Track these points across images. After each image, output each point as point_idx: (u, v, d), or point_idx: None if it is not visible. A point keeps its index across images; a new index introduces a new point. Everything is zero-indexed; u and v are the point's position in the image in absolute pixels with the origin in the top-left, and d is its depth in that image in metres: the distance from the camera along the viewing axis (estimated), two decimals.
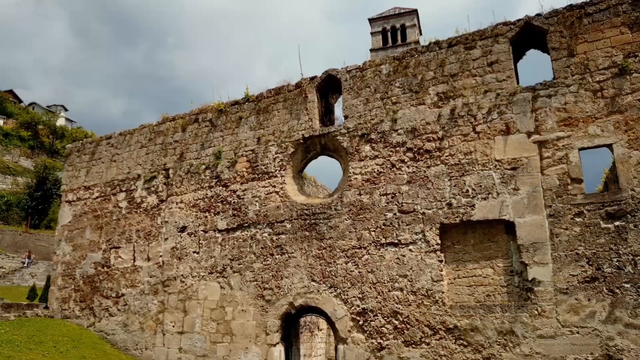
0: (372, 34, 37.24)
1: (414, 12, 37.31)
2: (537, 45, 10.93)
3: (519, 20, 10.67)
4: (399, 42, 36.72)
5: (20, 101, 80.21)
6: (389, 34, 36.96)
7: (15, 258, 29.15)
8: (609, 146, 9.30)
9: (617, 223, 8.92)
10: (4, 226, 33.37)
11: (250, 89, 13.82)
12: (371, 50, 36.75)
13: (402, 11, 37.81)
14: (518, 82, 10.80)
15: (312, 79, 12.85)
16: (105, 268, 14.78)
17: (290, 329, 12.24)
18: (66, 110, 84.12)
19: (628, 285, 8.62)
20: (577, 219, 9.22)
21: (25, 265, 28.57)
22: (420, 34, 38.38)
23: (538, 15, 10.51)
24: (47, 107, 79.63)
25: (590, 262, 8.96)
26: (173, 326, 13.06)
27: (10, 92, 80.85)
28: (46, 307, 15.55)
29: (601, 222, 9.04)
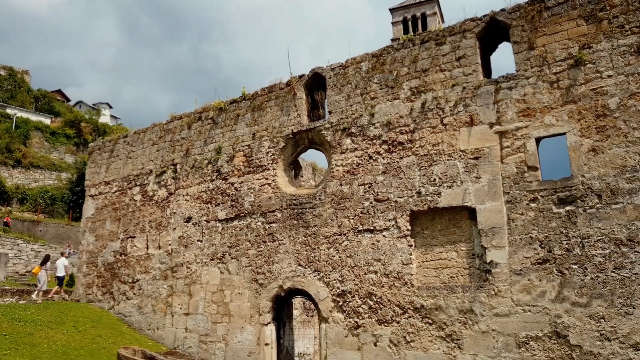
0: (393, 23, 37.56)
1: (434, 0, 37.31)
2: (508, 39, 11.39)
3: (484, 15, 11.17)
4: (420, 31, 36.86)
5: (68, 100, 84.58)
6: (409, 23, 37.13)
7: (58, 249, 31.46)
8: (563, 135, 9.76)
9: (567, 208, 9.43)
10: (49, 219, 35.98)
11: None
12: (392, 40, 37.08)
13: (422, 0, 37.88)
14: (489, 75, 11.34)
15: (301, 77, 13.72)
16: (122, 256, 16.24)
17: (281, 310, 13.25)
18: (111, 107, 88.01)
19: (576, 267, 9.14)
20: (532, 205, 9.77)
21: (66, 255, 30.84)
22: (443, 21, 38.34)
23: (502, 10, 10.98)
24: (93, 105, 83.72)
25: (543, 245, 9.52)
26: (180, 308, 14.34)
27: (59, 91, 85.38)
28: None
29: (553, 207, 9.56)
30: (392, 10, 37.55)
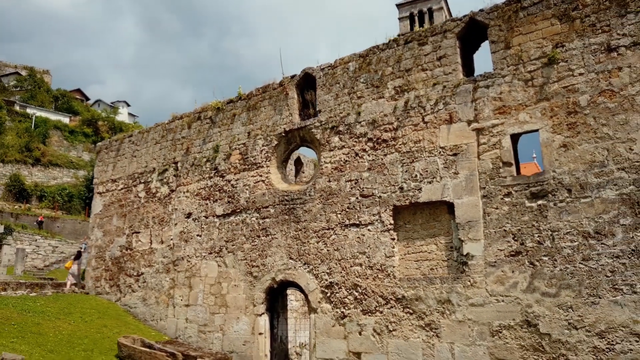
0: (399, 19, 37.72)
1: None
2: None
3: (465, 16, 11.51)
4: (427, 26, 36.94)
5: (87, 99, 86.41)
6: (416, 18, 37.28)
7: (74, 244, 32.59)
8: (537, 131, 10.09)
9: (539, 202, 9.78)
10: (66, 216, 37.18)
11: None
12: (399, 35, 37.23)
13: None
14: (472, 74, 11.70)
15: (293, 77, 14.21)
16: (128, 250, 16.99)
17: (275, 301, 13.82)
18: (128, 105, 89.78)
19: (546, 258, 9.50)
20: (506, 199, 10.14)
21: (82, 250, 31.98)
22: (450, 16, 38.35)
23: (481, 10, 11.31)
24: (111, 103, 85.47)
25: (515, 238, 9.88)
26: (181, 300, 15.02)
27: (78, 90, 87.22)
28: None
29: (526, 201, 9.91)
30: (399, 6, 37.75)
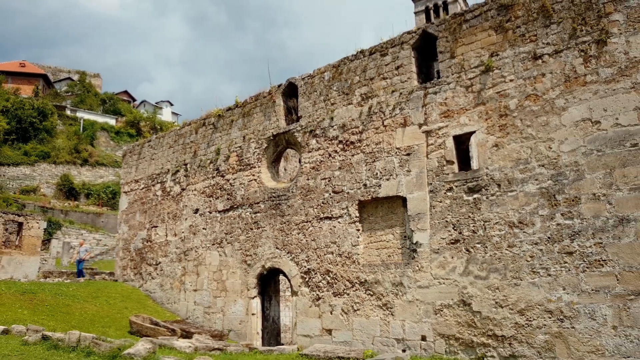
0: (415, 13, 38.43)
1: None
2: None
3: (418, 29, 12.78)
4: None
5: (134, 100, 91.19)
6: (431, 12, 37.91)
7: (116, 237, 35.63)
8: (474, 133, 11.31)
9: (474, 196, 11.03)
10: (110, 211, 40.43)
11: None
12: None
13: None
14: (424, 81, 12.96)
15: (279, 86, 15.85)
16: (148, 243, 19.23)
17: (267, 286, 15.60)
18: (171, 105, 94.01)
19: (479, 246, 10.77)
20: (448, 194, 11.44)
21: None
22: (467, 7, 38.71)
23: (432, 23, 12.55)
24: (156, 103, 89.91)
25: (455, 228, 11.19)
26: (190, 285, 17.08)
27: (125, 92, 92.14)
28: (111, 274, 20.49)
29: (464, 195, 11.19)
30: (415, 0, 38.44)
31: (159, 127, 63.50)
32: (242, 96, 17.36)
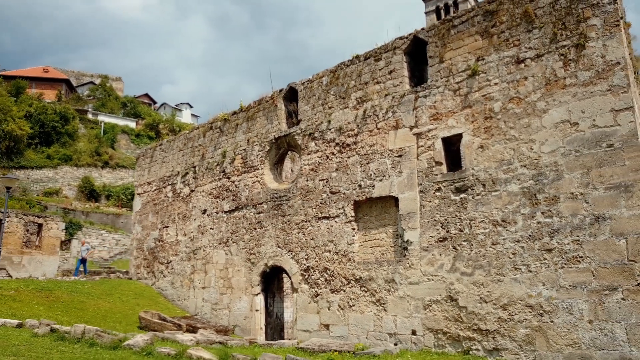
0: (426, 13, 38.63)
1: None
2: None
3: (409, 34, 13.22)
4: None
5: (154, 102, 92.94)
6: (442, 11, 38.08)
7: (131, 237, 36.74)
8: (461, 135, 11.72)
9: (461, 195, 11.45)
10: (129, 212, 41.54)
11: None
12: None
13: None
14: (418, 85, 13.39)
15: (281, 91, 16.45)
16: (160, 242, 20.04)
17: (270, 283, 16.22)
18: (191, 107, 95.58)
19: (465, 243, 11.19)
20: (437, 193, 11.87)
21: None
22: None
23: (422, 29, 12.99)
24: (176, 105, 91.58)
25: (443, 226, 11.63)
26: (199, 283, 17.81)
27: (146, 95, 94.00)
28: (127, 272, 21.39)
29: (451, 195, 11.61)
30: (425, 0, 38.65)
31: (177, 129, 64.75)
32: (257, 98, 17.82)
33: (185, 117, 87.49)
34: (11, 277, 20.85)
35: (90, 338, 8.84)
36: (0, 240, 16.89)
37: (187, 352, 8.53)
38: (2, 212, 19.79)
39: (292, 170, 21.98)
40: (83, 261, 22.79)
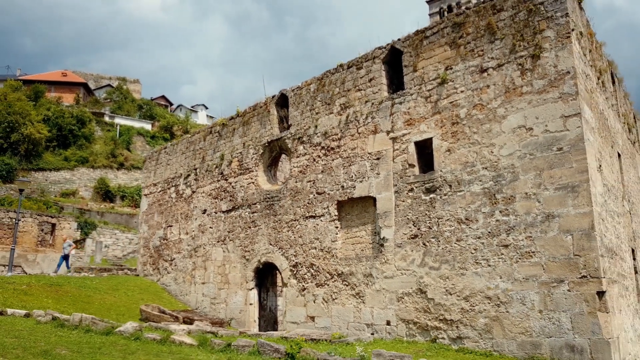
0: (430, 15, 39.28)
1: None
2: None
3: (387, 44, 14.09)
4: None
5: (171, 104, 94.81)
6: (445, 13, 38.66)
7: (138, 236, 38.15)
8: (431, 139, 12.56)
9: (431, 195, 12.31)
10: None
11: None
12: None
13: None
14: (395, 92, 14.25)
15: (273, 97, 17.44)
16: (165, 240, 21.22)
17: (264, 278, 17.24)
18: (206, 108, 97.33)
19: (433, 240, 12.05)
20: (410, 194, 12.74)
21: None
22: None
23: (399, 39, 13.85)
24: (192, 107, 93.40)
25: (414, 224, 12.49)
26: (199, 279, 18.92)
27: (162, 97, 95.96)
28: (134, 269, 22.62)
29: (422, 195, 12.48)
30: (429, 2, 39.27)
31: (191, 131, 66.15)
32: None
33: (200, 118, 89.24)
34: (26, 273, 22.26)
35: (87, 325, 9.94)
36: (15, 239, 18.24)
37: (171, 337, 9.58)
38: (17, 212, 21.14)
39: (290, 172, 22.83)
40: (65, 257, 22.68)
